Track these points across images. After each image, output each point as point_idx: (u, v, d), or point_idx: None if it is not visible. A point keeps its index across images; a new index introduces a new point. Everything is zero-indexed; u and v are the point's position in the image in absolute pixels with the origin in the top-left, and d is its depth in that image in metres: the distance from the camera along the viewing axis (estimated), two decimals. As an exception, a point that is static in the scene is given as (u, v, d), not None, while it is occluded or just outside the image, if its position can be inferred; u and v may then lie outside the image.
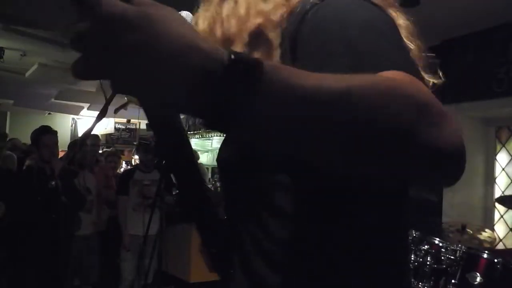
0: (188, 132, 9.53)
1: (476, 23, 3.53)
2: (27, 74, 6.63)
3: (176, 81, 0.42)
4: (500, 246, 3.96)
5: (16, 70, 6.57)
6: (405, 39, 0.68)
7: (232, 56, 0.43)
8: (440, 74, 0.75)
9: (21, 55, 5.82)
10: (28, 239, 3.11)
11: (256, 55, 0.66)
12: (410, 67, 0.57)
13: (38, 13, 3.98)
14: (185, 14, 1.40)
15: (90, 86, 7.37)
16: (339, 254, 0.68)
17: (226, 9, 0.72)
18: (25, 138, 6.67)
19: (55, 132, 3.48)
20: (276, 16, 0.68)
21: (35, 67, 6.36)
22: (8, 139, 5.27)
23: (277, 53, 0.66)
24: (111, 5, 0.41)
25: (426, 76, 0.72)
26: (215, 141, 9.01)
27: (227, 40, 0.70)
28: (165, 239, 4.20)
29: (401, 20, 0.71)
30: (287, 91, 0.44)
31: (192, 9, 1.36)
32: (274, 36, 0.67)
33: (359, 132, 0.47)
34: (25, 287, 3.19)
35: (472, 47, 3.61)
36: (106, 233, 4.24)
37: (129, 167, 8.04)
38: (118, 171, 5.96)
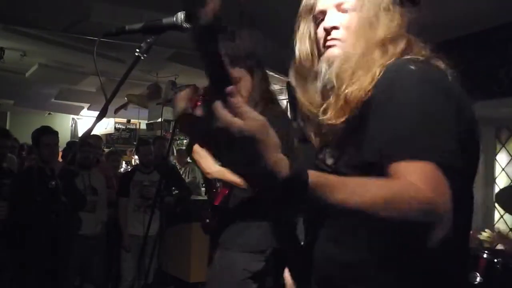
0: (188, 132, 9.51)
1: (476, 23, 3.53)
2: (27, 74, 6.62)
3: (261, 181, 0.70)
4: (500, 246, 3.95)
5: (16, 70, 6.56)
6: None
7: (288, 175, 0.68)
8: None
9: (21, 55, 5.81)
10: (28, 239, 3.11)
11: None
12: (445, 156, 0.82)
13: (38, 13, 3.98)
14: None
15: (90, 86, 7.36)
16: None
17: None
18: (25, 138, 6.65)
19: (56, 132, 3.47)
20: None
21: (35, 67, 6.35)
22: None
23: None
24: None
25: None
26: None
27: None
28: (165, 239, 4.20)
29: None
30: (322, 203, 0.72)
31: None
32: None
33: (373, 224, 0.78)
34: (25, 287, 3.19)
35: (472, 47, 3.61)
36: (106, 234, 4.23)
37: (129, 167, 8.04)
38: (118, 171, 5.97)
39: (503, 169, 4.13)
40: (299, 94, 1.12)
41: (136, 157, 5.48)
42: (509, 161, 4.07)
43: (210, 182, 2.11)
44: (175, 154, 7.51)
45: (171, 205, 4.19)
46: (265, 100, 2.06)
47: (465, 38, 3.54)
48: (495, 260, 2.51)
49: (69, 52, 5.43)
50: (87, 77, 6.78)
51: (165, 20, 1.39)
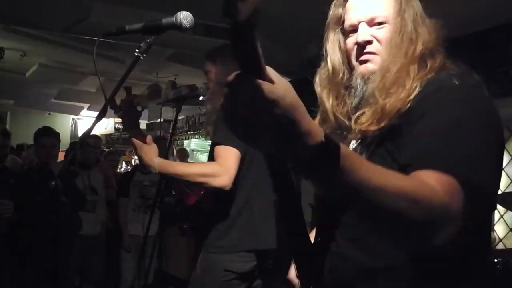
0: (188, 132, 9.53)
1: (476, 23, 3.53)
2: (27, 74, 6.63)
3: (292, 148, 0.65)
4: (500, 246, 3.96)
5: (16, 70, 6.56)
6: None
7: (323, 141, 0.66)
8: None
9: (21, 55, 5.81)
10: (28, 239, 3.11)
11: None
12: (474, 173, 0.85)
13: (38, 13, 3.98)
14: (185, 14, 1.40)
15: (90, 86, 7.37)
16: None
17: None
18: (25, 138, 6.66)
19: (55, 134, 3.46)
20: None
21: (35, 67, 6.36)
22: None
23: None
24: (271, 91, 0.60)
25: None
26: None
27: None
28: (165, 239, 4.20)
29: None
30: (348, 176, 0.69)
31: (191, 10, 1.36)
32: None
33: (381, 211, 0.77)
34: (25, 287, 3.19)
35: (472, 47, 3.61)
36: (106, 234, 4.23)
37: (129, 167, 8.04)
38: (118, 170, 5.97)
39: (503, 169, 4.13)
40: (326, 101, 1.12)
41: (136, 157, 5.48)
42: (509, 161, 4.06)
43: (178, 182, 2.08)
44: (175, 154, 7.51)
45: (171, 205, 4.19)
46: None
47: (465, 38, 3.54)
48: (495, 260, 2.51)
49: (69, 52, 5.43)
50: (87, 77, 6.79)
51: (165, 20, 1.39)
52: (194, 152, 9.63)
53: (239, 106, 0.61)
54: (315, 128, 0.65)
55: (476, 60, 3.75)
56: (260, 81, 0.59)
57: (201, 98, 2.35)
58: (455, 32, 1.13)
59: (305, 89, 0.61)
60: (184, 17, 1.38)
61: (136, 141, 1.89)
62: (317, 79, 1.16)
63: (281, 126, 0.61)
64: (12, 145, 5.48)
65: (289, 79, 1.15)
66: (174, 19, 1.38)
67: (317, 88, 1.15)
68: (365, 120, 1.00)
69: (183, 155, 7.19)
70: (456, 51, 1.08)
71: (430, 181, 0.81)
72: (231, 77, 0.60)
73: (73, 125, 10.95)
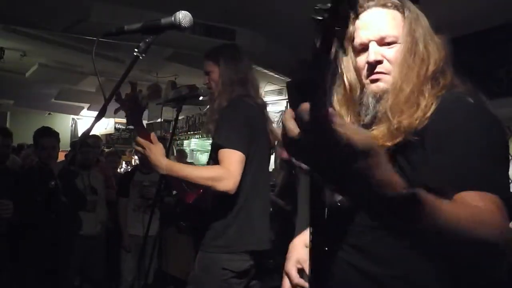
0: (188, 132, 9.54)
1: (476, 23, 3.53)
2: (27, 74, 6.63)
3: (371, 197, 0.66)
4: (500, 246, 3.94)
5: (16, 70, 6.57)
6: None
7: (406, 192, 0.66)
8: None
9: (21, 55, 5.82)
10: (28, 239, 3.11)
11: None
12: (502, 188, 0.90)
13: (38, 13, 3.98)
14: (184, 14, 1.40)
15: (90, 86, 7.37)
16: None
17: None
18: (25, 138, 6.66)
19: (55, 134, 3.46)
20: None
21: (35, 67, 6.36)
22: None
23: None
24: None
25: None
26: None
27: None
28: (165, 239, 4.20)
29: None
30: (427, 221, 0.70)
31: (191, 10, 1.36)
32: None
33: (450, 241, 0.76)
34: (25, 287, 3.18)
35: (472, 47, 3.61)
36: (106, 234, 4.23)
37: (129, 167, 8.05)
38: (118, 171, 5.98)
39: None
40: (345, 118, 1.13)
41: (136, 157, 5.48)
42: (509, 161, 4.07)
43: (178, 180, 2.07)
44: (175, 154, 7.51)
45: (171, 205, 4.19)
46: (234, 85, 2.09)
47: (465, 38, 3.54)
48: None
49: (69, 52, 5.43)
50: (87, 77, 6.79)
51: (164, 20, 1.39)
52: (194, 152, 9.63)
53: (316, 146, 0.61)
54: (394, 178, 0.66)
55: (476, 60, 3.74)
56: (343, 132, 0.60)
57: (201, 98, 2.35)
58: (456, 32, 1.12)
59: (305, 89, 0.59)
60: (183, 16, 1.38)
61: (143, 140, 1.86)
62: (334, 97, 1.17)
63: (357, 175, 0.62)
64: (14, 145, 5.48)
65: (289, 80, 1.16)
66: (173, 18, 1.38)
67: (336, 106, 1.16)
68: (381, 137, 1.01)
69: (182, 156, 7.22)
70: (456, 51, 1.08)
71: (486, 206, 0.85)
72: (309, 114, 0.60)
73: (73, 125, 10.96)
